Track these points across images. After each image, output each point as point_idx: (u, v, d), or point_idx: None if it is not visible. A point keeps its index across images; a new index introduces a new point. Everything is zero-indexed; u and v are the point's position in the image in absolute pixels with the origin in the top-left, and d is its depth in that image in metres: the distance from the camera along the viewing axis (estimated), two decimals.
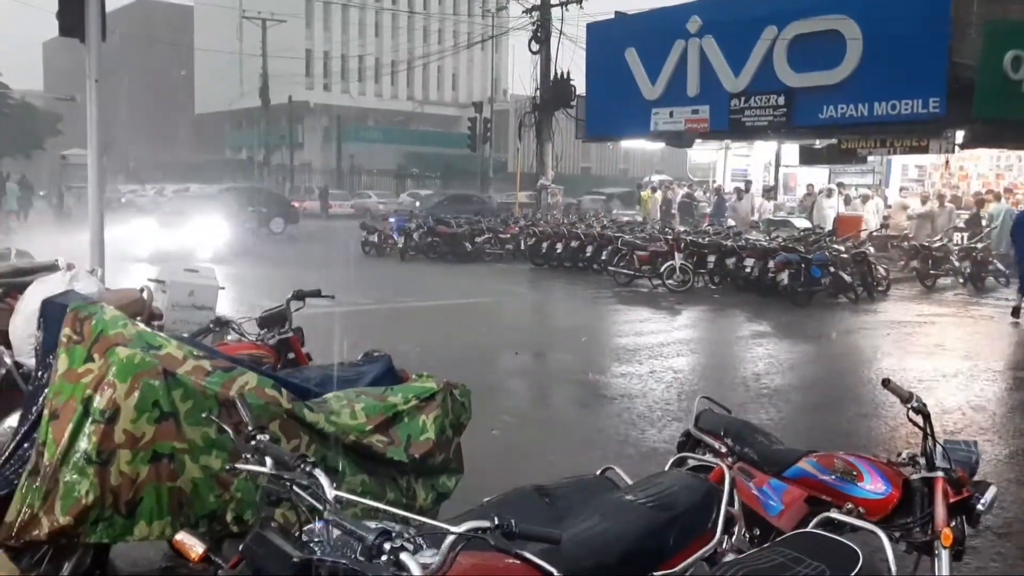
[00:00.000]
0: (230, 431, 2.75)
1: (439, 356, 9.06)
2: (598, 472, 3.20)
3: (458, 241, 20.76)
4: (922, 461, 3.22)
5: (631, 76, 23.48)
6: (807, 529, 2.90)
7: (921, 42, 17.39)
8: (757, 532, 3.37)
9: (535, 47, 27.54)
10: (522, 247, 20.35)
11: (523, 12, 27.98)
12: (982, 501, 3.13)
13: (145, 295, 4.84)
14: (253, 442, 2.38)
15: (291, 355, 4.93)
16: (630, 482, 3.01)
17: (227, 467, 2.85)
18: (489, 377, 8.25)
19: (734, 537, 3.04)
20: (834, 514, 3.01)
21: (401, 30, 66.06)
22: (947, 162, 23.34)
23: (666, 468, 3.45)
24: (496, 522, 1.92)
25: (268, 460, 2.29)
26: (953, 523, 3.03)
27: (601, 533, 2.47)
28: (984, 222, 18.72)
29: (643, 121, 23.40)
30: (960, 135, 18.65)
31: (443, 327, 11.85)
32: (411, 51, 63.42)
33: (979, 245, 16.74)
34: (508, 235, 21.20)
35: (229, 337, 5.01)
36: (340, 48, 63.78)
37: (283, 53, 49.23)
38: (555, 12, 27.22)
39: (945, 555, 2.96)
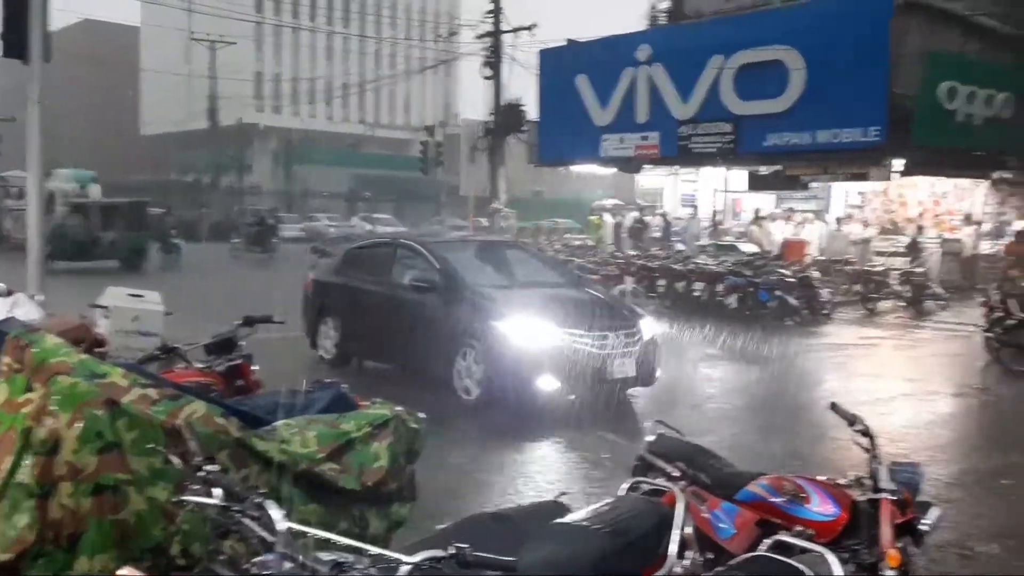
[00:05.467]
0: (177, 461, 2.69)
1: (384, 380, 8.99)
2: (553, 498, 3.20)
3: None
4: (868, 482, 3.27)
5: (582, 102, 23.80)
6: (758, 552, 2.94)
7: (861, 73, 17.98)
8: (711, 556, 3.38)
9: (487, 72, 27.74)
10: None
11: (475, 38, 28.22)
12: (926, 522, 3.20)
13: (88, 321, 4.73)
14: (201, 473, 2.34)
15: (240, 382, 4.84)
16: (585, 508, 3.01)
17: (173, 499, 2.78)
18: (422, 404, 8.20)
19: (688, 561, 3.06)
20: (784, 537, 3.04)
21: (352, 54, 66.04)
22: (887, 189, 24.05)
23: (620, 492, 3.46)
24: (451, 551, 1.91)
25: (217, 491, 2.25)
26: (899, 544, 3.08)
27: (556, 560, 2.46)
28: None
29: (594, 146, 23.72)
30: (899, 163, 19.25)
31: None
32: (362, 75, 63.37)
33: (918, 269, 17.22)
34: None
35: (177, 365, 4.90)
36: (291, 71, 63.46)
37: (232, 75, 48.80)
38: (507, 38, 27.48)
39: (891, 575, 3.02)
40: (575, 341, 7.77)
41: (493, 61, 27.46)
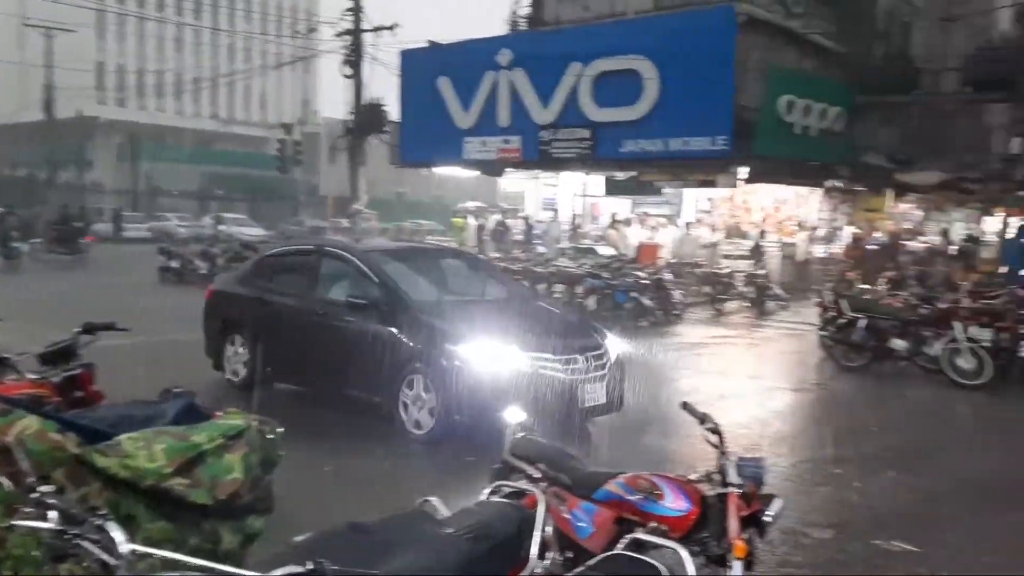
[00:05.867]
0: (6, 482, 2.49)
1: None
2: (416, 504, 3.17)
3: None
4: (717, 477, 3.43)
5: (444, 104, 23.81)
6: (615, 551, 3.02)
7: (709, 85, 18.87)
8: (571, 555, 3.45)
9: (347, 71, 27.29)
10: None
11: (335, 35, 27.68)
12: (769, 513, 3.38)
13: None
14: (34, 494, 2.17)
15: (79, 394, 4.54)
16: (448, 513, 3.00)
17: (2, 524, 2.57)
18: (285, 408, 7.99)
19: (549, 561, 3.10)
20: (639, 534, 3.14)
21: (205, 46, 63.29)
22: (733, 195, 25.37)
23: (482, 496, 3.47)
24: (309, 566, 1.85)
25: (52, 514, 2.09)
26: (745, 535, 3.25)
27: (419, 570, 2.44)
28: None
29: (456, 149, 23.77)
30: (744, 171, 20.34)
31: None
32: (215, 68, 60.88)
33: (760, 272, 18.26)
34: None
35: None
36: (136, 62, 60.18)
37: (71, 64, 45.71)
38: (367, 37, 27.12)
39: (738, 565, 3.17)
40: (542, 366, 6.89)
41: (353, 60, 27.04)
